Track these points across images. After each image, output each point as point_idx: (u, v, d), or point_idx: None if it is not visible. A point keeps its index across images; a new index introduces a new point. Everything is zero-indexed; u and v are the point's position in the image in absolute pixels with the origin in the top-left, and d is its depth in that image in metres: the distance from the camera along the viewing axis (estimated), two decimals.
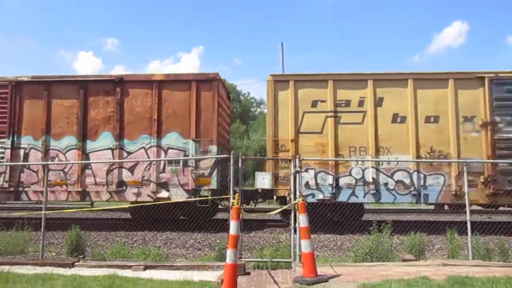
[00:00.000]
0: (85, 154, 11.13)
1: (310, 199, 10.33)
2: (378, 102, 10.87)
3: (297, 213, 6.55)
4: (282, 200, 10.69)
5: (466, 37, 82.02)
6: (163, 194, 10.74)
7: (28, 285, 5.66)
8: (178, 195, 10.72)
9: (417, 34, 79.35)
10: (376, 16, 78.45)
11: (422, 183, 10.47)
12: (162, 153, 10.97)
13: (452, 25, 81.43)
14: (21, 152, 11.28)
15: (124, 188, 10.94)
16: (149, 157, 10.93)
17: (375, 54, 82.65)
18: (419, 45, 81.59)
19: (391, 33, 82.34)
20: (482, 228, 8.60)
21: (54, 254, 8.17)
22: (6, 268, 6.76)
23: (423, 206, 15.40)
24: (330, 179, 10.63)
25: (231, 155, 7.41)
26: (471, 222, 7.34)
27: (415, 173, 10.49)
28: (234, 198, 5.90)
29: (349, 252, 8.24)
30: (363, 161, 10.54)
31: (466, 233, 7.34)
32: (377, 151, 10.70)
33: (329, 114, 10.88)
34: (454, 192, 10.31)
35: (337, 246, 9.23)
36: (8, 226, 8.74)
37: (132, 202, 11.02)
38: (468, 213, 7.40)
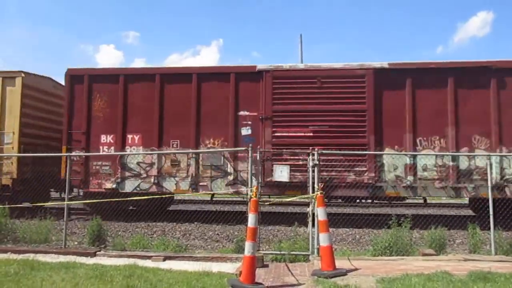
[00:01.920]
0: None
1: None
2: None
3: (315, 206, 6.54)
4: None
5: (492, 26, 79.63)
6: None
7: (52, 273, 5.80)
8: None
9: (441, 25, 77.51)
10: (397, 7, 76.92)
11: None
12: None
13: (477, 15, 79.11)
14: None
15: None
16: None
17: (397, 46, 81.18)
18: (442, 36, 79.74)
19: (413, 25, 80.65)
20: (505, 222, 8.41)
21: (76, 243, 8.35)
22: (31, 256, 6.96)
23: (443, 201, 15.17)
24: None
25: (249, 148, 7.41)
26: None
27: None
28: (252, 191, 5.90)
29: (368, 246, 8.19)
30: None
31: (488, 228, 7.19)
32: None
33: None
34: None
35: (355, 240, 9.18)
36: (32, 215, 8.99)
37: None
38: (491, 207, 7.25)
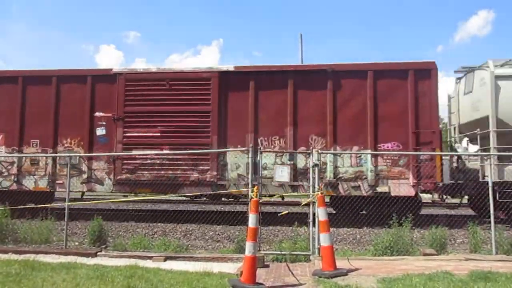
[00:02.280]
0: None
1: None
2: None
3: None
4: None
5: (492, 26, 79.53)
6: None
7: (52, 273, 5.80)
8: None
9: (441, 24, 77.51)
10: (398, 5, 77.05)
11: None
12: None
13: (478, 14, 79.05)
14: None
15: None
16: None
17: (398, 44, 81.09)
18: (443, 35, 79.73)
19: (414, 23, 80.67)
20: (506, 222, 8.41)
21: (77, 243, 8.36)
22: (31, 256, 6.96)
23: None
24: None
25: (250, 148, 7.41)
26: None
27: None
28: (252, 191, 5.90)
29: (369, 246, 8.18)
30: None
31: (489, 228, 7.18)
32: None
33: None
34: None
35: (356, 240, 9.17)
36: (33, 216, 9.00)
37: None
38: (491, 207, 7.24)
